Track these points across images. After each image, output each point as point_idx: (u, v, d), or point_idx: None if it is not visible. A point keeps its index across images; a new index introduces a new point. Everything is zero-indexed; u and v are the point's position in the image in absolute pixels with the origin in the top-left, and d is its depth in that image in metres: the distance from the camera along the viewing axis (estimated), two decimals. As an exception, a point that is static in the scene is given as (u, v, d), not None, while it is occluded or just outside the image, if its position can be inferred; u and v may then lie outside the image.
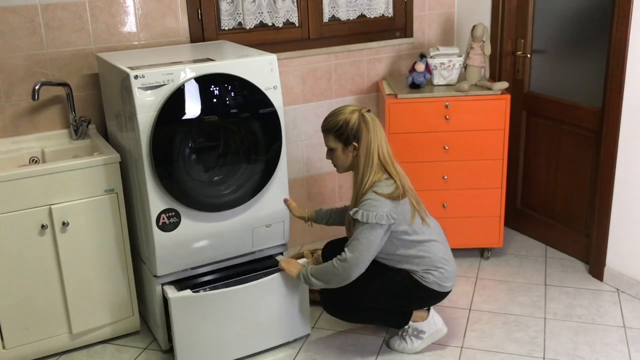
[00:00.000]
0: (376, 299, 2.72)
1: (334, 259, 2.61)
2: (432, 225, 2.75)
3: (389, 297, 2.72)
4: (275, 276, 2.77)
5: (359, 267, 2.58)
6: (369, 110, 2.66)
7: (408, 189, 2.65)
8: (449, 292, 2.78)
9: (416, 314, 2.83)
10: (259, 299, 2.76)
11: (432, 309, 2.86)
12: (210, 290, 2.68)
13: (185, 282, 2.76)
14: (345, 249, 2.59)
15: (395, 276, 2.70)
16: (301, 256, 3.56)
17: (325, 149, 2.72)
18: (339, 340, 2.78)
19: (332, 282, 2.63)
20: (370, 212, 2.53)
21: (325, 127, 2.68)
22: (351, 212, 2.60)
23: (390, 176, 2.61)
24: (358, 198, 2.62)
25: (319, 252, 3.43)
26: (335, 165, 2.74)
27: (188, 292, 2.65)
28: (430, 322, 2.83)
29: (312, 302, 2.97)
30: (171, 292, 2.65)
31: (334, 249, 3.01)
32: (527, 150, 3.80)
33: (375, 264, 2.79)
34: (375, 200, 2.55)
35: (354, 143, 2.61)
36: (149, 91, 2.51)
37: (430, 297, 2.75)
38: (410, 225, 2.64)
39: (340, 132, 2.62)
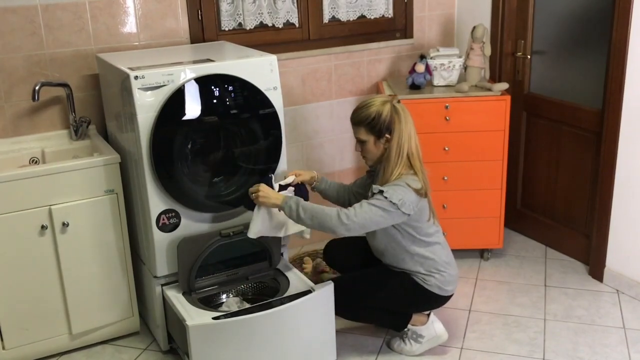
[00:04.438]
0: (376, 298, 2.72)
1: (338, 210, 2.47)
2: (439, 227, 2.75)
3: (389, 297, 2.71)
4: (300, 302, 2.59)
5: (350, 233, 2.48)
6: (398, 101, 2.61)
7: (429, 188, 2.62)
8: (450, 296, 2.77)
9: (415, 317, 2.82)
10: (282, 326, 2.57)
11: (432, 314, 2.85)
12: (231, 317, 2.49)
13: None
14: (353, 209, 2.47)
15: (397, 277, 2.69)
16: (302, 259, 3.57)
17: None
18: (338, 340, 2.77)
19: (318, 226, 2.49)
20: (397, 194, 2.48)
21: (356, 120, 2.60)
22: (374, 188, 2.53)
23: (415, 173, 2.58)
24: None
25: (319, 260, 3.43)
26: (364, 158, 2.68)
27: (208, 319, 2.48)
28: (430, 327, 2.81)
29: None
30: (189, 319, 2.49)
31: (336, 250, 3.01)
32: (527, 151, 3.80)
33: (378, 264, 2.79)
34: (405, 188, 2.51)
35: (387, 135, 2.57)
36: (149, 92, 2.51)
37: (430, 300, 2.75)
38: (426, 224, 2.64)
39: (372, 125, 2.56)
